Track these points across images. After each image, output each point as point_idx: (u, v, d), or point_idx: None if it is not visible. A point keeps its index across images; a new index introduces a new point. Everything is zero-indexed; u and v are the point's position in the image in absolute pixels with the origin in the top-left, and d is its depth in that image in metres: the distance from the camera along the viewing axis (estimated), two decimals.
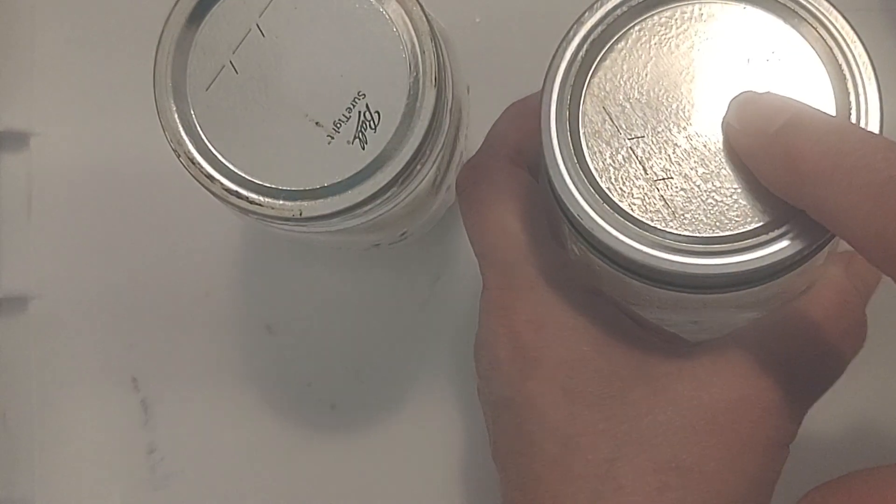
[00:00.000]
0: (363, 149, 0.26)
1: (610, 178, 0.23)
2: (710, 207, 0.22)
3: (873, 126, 0.22)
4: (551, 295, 0.25)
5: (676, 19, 0.24)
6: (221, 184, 0.26)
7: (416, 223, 0.32)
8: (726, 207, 0.22)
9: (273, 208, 0.26)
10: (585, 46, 0.24)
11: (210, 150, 0.26)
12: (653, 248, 0.22)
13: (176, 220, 0.39)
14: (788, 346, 0.25)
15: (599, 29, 0.24)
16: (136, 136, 0.36)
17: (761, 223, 0.22)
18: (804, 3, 0.23)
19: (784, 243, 0.22)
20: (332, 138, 0.26)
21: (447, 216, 0.37)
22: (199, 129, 0.26)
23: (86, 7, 0.40)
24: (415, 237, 0.35)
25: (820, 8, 0.23)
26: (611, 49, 0.24)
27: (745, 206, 0.22)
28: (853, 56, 0.23)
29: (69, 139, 0.40)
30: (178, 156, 0.26)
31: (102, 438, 0.39)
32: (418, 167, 0.26)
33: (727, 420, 0.24)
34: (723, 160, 0.23)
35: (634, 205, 0.23)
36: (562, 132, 0.23)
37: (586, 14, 0.24)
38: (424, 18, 0.26)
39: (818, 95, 0.23)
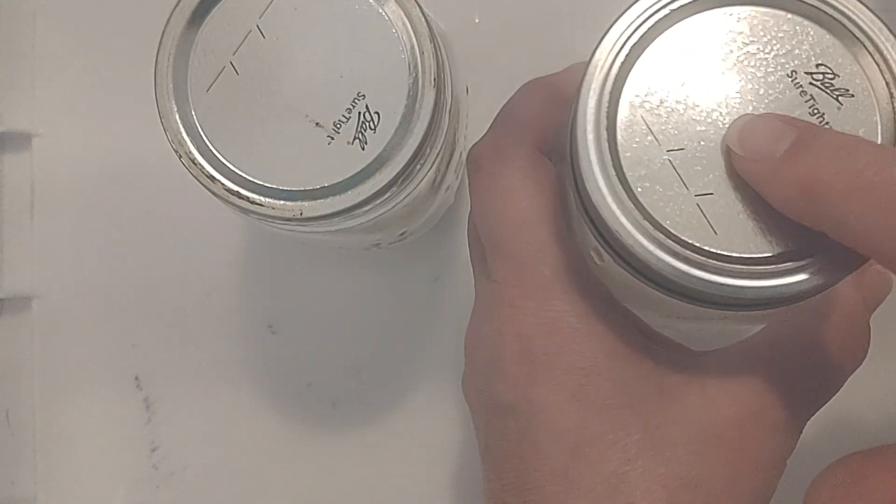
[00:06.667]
0: (363, 149, 0.26)
1: (648, 191, 0.22)
2: (750, 226, 0.21)
3: None
4: (566, 299, 0.24)
5: (718, 24, 0.22)
6: (222, 184, 0.26)
7: (415, 223, 0.33)
8: (767, 228, 0.21)
9: (274, 208, 0.26)
10: (623, 48, 0.22)
11: (211, 150, 0.26)
12: (692, 266, 0.21)
13: (177, 220, 0.39)
14: (795, 363, 0.24)
15: (637, 30, 0.22)
16: (138, 137, 0.36)
17: (801, 247, 0.21)
18: (855, 19, 0.22)
19: (825, 267, 0.21)
20: (333, 139, 0.26)
21: (447, 216, 0.37)
22: (200, 129, 0.26)
23: (87, 9, 0.40)
24: (414, 237, 0.35)
25: (873, 28, 0.22)
26: (648, 52, 0.22)
27: (787, 227, 0.21)
28: None
29: (71, 140, 0.40)
30: (180, 156, 0.26)
31: (105, 437, 0.39)
32: (418, 167, 0.26)
33: (735, 436, 0.23)
34: None
35: (673, 220, 0.22)
36: (599, 141, 0.22)
37: (624, 14, 0.23)
38: (423, 19, 0.26)
39: (863, 116, 0.22)
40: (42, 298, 0.39)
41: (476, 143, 0.27)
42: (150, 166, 0.38)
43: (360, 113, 0.26)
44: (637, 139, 0.22)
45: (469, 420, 0.37)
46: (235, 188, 0.26)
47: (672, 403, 0.24)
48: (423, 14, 0.26)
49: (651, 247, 0.21)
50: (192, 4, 0.26)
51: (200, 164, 0.26)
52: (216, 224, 0.38)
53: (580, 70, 0.26)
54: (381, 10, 0.26)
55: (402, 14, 0.26)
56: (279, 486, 0.39)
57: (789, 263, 0.21)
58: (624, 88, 0.22)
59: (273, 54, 0.26)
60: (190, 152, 0.26)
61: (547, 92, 0.27)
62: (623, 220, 0.21)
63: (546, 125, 0.26)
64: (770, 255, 0.21)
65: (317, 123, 0.26)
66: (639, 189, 0.22)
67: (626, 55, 0.22)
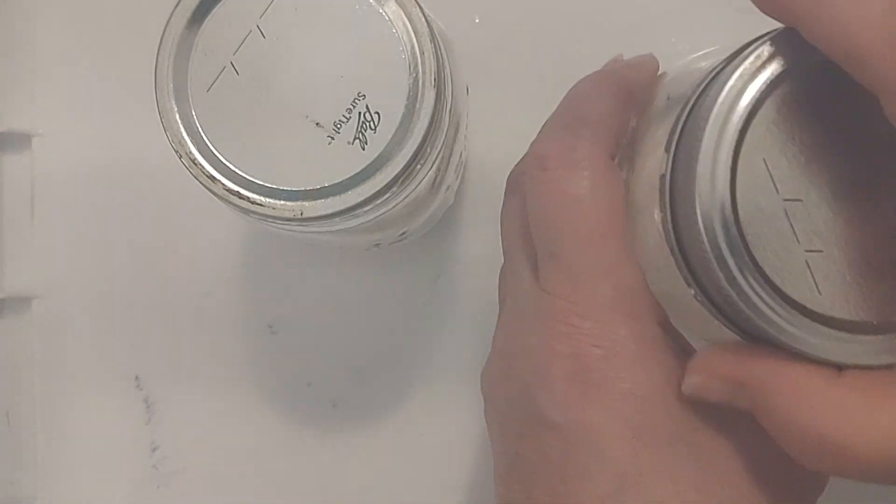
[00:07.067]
0: (363, 149, 0.26)
1: (758, 238, 0.21)
2: (854, 292, 0.21)
3: None
4: (625, 322, 0.23)
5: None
6: (223, 184, 0.26)
7: (415, 223, 0.33)
8: (871, 296, 0.21)
9: (274, 208, 0.26)
10: (754, 82, 0.21)
11: (211, 150, 0.26)
12: (790, 324, 0.20)
13: (178, 221, 0.39)
14: None
15: (771, 64, 0.21)
16: (138, 137, 0.36)
17: None
18: None
19: None
20: (333, 139, 0.26)
21: (447, 216, 0.37)
22: (200, 129, 0.26)
23: (88, 9, 0.40)
24: (415, 237, 0.35)
25: None
26: (780, 90, 0.21)
27: (892, 299, 0.21)
28: None
29: (71, 140, 0.40)
30: (180, 156, 0.26)
31: (105, 436, 0.39)
32: (418, 167, 0.26)
33: (778, 474, 0.23)
34: (881, 243, 0.21)
35: (778, 273, 0.20)
36: (716, 180, 0.20)
37: (757, 45, 0.21)
38: (423, 19, 0.26)
39: None
40: (42, 298, 0.40)
41: (541, 139, 0.25)
42: (151, 166, 0.38)
43: (360, 113, 0.26)
44: (756, 183, 0.21)
45: (470, 420, 0.37)
46: (235, 188, 0.26)
47: (719, 436, 0.23)
48: (423, 14, 0.26)
49: (753, 297, 0.20)
50: (193, 4, 0.26)
51: (200, 164, 0.26)
52: (216, 224, 0.38)
53: (648, 64, 0.25)
54: (381, 10, 0.26)
55: (402, 14, 0.26)
56: (279, 486, 0.39)
57: (890, 335, 0.21)
58: (751, 127, 0.21)
59: (273, 54, 0.26)
60: (190, 152, 0.26)
61: (616, 89, 0.25)
62: (729, 264, 0.20)
63: (617, 127, 0.25)
64: (869, 322, 0.21)
65: (317, 123, 0.26)
66: (749, 235, 0.21)
67: (759, 90, 0.21)
